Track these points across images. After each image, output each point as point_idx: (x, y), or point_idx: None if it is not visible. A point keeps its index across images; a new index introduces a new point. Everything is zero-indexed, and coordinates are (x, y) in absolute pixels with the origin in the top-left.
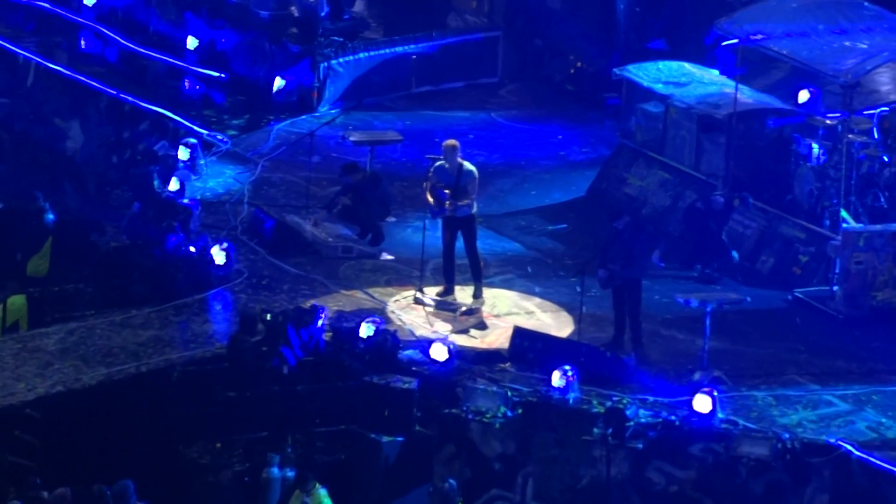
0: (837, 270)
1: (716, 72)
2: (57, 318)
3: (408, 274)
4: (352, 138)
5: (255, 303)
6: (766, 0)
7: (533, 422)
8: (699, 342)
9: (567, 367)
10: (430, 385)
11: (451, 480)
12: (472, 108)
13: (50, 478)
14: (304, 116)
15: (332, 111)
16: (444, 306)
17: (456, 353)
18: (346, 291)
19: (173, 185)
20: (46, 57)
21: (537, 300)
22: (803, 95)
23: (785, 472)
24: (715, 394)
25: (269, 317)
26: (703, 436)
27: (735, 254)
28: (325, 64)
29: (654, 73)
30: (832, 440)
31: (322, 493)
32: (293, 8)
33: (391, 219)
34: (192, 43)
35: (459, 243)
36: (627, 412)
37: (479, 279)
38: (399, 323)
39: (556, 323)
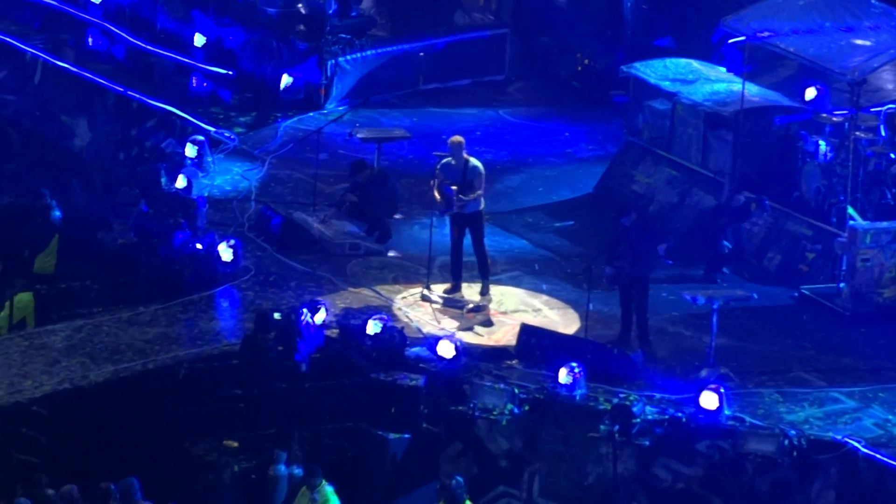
0: (844, 267)
1: (723, 69)
2: (64, 316)
3: (415, 271)
4: (359, 135)
5: (263, 300)
6: None
7: (540, 419)
8: (706, 339)
9: (574, 364)
10: (437, 382)
11: (459, 477)
12: (480, 105)
13: (56, 475)
14: (311, 114)
15: (340, 108)
16: (452, 303)
17: (463, 350)
18: (353, 289)
19: (180, 182)
20: (54, 54)
21: (544, 297)
22: (810, 93)
23: (791, 469)
24: (722, 391)
25: (278, 316)
26: (710, 433)
27: (726, 244)
28: (333, 61)
29: (661, 71)
30: (839, 437)
31: (329, 490)
32: (300, 5)
33: (398, 216)
34: (199, 40)
35: (467, 240)
36: (634, 409)
37: (486, 276)
38: (406, 320)
39: (563, 320)
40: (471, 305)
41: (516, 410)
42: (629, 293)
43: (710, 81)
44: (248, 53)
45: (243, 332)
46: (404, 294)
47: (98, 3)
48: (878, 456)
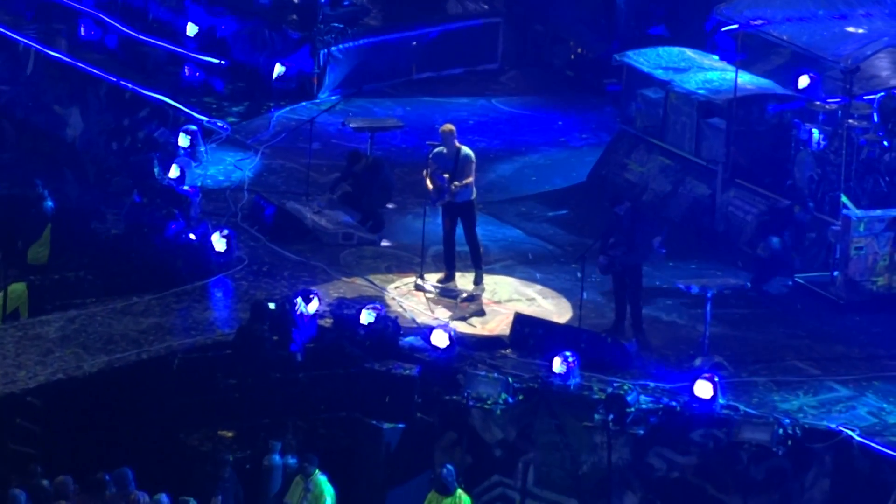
0: (838, 256)
1: (716, 57)
2: (57, 306)
3: (408, 260)
4: (352, 125)
5: (256, 290)
6: None
7: (534, 408)
8: (700, 328)
9: (568, 354)
10: (431, 372)
11: (449, 465)
12: (473, 94)
13: (51, 465)
14: (304, 103)
15: (332, 98)
16: (445, 293)
17: (457, 339)
18: (346, 278)
19: (173, 172)
20: (46, 44)
21: (538, 286)
22: (803, 81)
23: (786, 458)
24: (716, 379)
25: (272, 306)
26: (704, 421)
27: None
28: (325, 50)
29: (654, 59)
30: (833, 426)
31: (322, 479)
32: None
33: (390, 205)
34: (191, 30)
35: (459, 230)
36: (628, 398)
37: (479, 266)
38: (400, 310)
39: (556, 309)
40: (464, 295)
41: (510, 400)
42: (623, 282)
43: (703, 70)
44: (241, 43)
45: (237, 322)
46: (398, 284)
47: None
48: (873, 444)
